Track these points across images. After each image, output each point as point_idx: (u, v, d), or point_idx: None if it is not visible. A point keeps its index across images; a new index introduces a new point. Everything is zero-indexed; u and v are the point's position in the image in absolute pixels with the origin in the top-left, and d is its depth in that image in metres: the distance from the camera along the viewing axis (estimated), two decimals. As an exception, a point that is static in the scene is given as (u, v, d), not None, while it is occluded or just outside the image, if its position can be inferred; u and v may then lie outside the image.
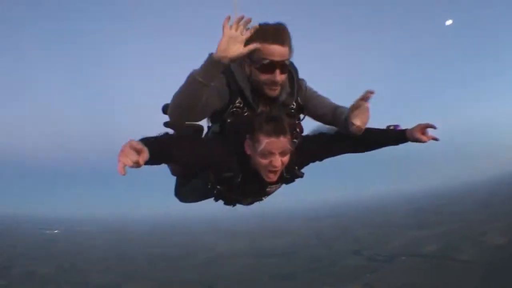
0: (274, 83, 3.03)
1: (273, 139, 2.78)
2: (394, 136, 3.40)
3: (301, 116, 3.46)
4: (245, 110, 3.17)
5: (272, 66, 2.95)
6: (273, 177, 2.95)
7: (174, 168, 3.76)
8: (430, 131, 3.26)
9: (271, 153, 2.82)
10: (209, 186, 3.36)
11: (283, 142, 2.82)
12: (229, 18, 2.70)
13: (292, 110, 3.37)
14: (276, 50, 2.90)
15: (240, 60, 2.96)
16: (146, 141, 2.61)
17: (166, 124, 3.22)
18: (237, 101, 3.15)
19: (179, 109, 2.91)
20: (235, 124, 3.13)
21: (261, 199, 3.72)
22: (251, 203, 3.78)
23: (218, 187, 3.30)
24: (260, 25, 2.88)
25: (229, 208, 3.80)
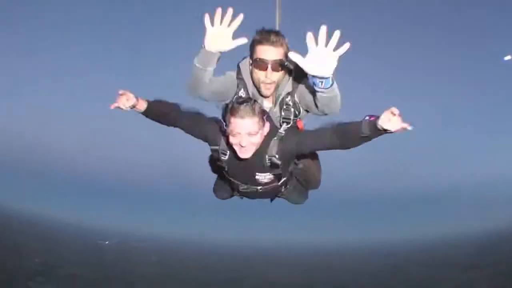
0: (266, 82, 3.48)
1: (237, 119, 3.11)
2: (365, 127, 3.17)
3: (297, 113, 3.77)
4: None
5: (264, 64, 3.40)
6: (244, 154, 3.28)
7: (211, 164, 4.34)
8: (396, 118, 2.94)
9: (237, 133, 3.17)
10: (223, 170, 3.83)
11: (248, 123, 3.13)
12: (208, 14, 3.15)
13: (289, 105, 3.73)
14: (268, 50, 3.36)
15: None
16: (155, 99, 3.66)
17: None
18: (240, 92, 3.68)
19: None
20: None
21: (257, 189, 3.86)
22: (254, 194, 4.02)
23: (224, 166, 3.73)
24: (257, 30, 3.50)
25: (243, 201, 4.27)
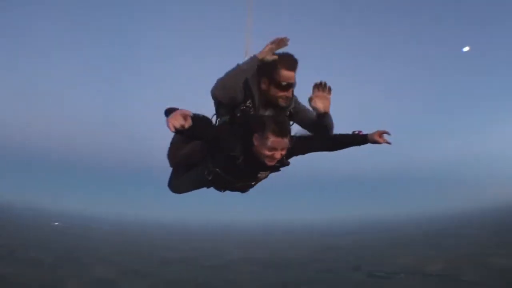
0: (287, 98, 4.11)
1: (279, 139, 3.61)
2: (358, 139, 4.30)
3: (291, 122, 4.35)
4: (251, 110, 4.10)
5: (288, 87, 4.06)
6: (272, 163, 3.79)
7: (176, 157, 4.54)
8: (385, 136, 4.21)
9: (275, 149, 3.64)
10: (206, 173, 4.17)
11: (285, 142, 3.67)
12: (279, 40, 3.92)
13: (287, 116, 4.34)
14: (291, 75, 4.02)
15: (255, 73, 4.09)
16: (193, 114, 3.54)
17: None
18: (248, 102, 4.09)
19: (222, 89, 3.90)
20: (245, 117, 4.00)
21: (251, 185, 4.43)
22: (242, 188, 4.48)
23: (217, 169, 4.07)
24: (280, 54, 4.01)
25: (219, 193, 4.55)
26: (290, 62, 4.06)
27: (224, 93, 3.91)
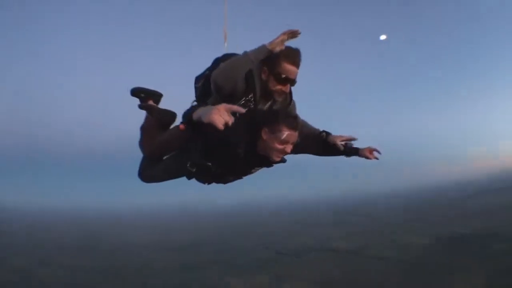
0: (283, 92, 4.06)
1: (292, 132, 3.61)
2: (348, 151, 4.46)
3: None
4: (251, 104, 3.93)
5: (287, 81, 3.95)
6: (279, 158, 3.73)
7: (152, 145, 4.17)
8: (375, 153, 4.49)
9: (287, 142, 3.62)
10: (188, 165, 3.89)
11: (296, 136, 3.68)
12: (291, 31, 3.67)
13: None
14: (293, 70, 3.89)
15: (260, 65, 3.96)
16: None
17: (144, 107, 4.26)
18: (250, 96, 3.93)
19: (228, 76, 3.60)
20: (252, 111, 3.85)
21: (241, 178, 4.30)
22: (231, 181, 4.28)
23: (209, 163, 3.83)
24: (287, 47, 3.80)
25: (200, 185, 4.24)
26: (294, 56, 3.89)
27: (227, 81, 3.65)
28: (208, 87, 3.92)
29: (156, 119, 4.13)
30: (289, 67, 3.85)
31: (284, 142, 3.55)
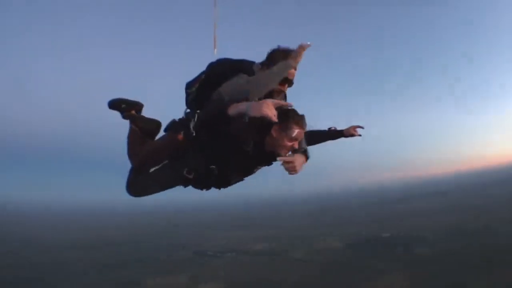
0: (282, 92, 4.01)
1: (301, 130, 3.70)
2: (334, 134, 4.77)
3: None
4: None
5: (285, 82, 3.91)
6: (286, 153, 3.74)
7: (142, 155, 4.02)
8: (358, 129, 4.75)
9: (296, 139, 3.70)
10: (185, 171, 3.80)
11: (303, 133, 3.79)
12: (306, 45, 3.71)
13: None
14: (292, 72, 3.88)
15: None
16: None
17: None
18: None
19: (259, 87, 3.67)
20: None
21: (243, 179, 4.15)
22: (232, 183, 4.19)
23: (213, 166, 3.80)
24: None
25: (198, 192, 4.17)
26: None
27: (259, 93, 3.72)
28: (204, 92, 4.01)
29: (142, 129, 4.05)
30: (298, 130, 3.89)
31: (294, 139, 3.70)
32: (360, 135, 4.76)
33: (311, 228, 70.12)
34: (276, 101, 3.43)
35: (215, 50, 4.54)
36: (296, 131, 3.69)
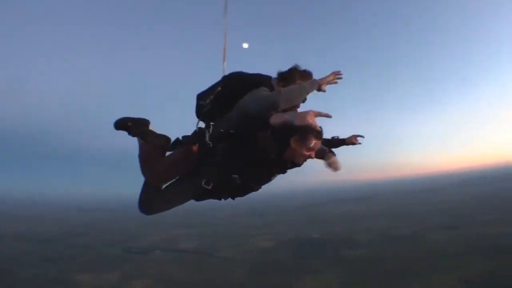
0: (296, 107, 4.05)
1: (318, 141, 3.73)
2: (337, 142, 4.82)
3: None
4: None
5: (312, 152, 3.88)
6: (303, 163, 3.83)
7: (159, 171, 3.91)
8: (359, 138, 4.83)
9: (313, 149, 3.75)
10: (203, 183, 3.76)
11: (320, 143, 3.83)
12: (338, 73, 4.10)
13: None
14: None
15: None
16: None
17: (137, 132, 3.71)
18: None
19: (289, 102, 3.79)
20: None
21: (260, 187, 4.16)
22: (249, 192, 4.15)
23: (235, 176, 3.78)
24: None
25: (214, 202, 4.20)
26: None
27: (287, 105, 3.84)
28: (221, 105, 4.09)
29: (153, 145, 3.84)
30: (315, 141, 3.98)
31: (311, 149, 3.77)
32: (360, 143, 4.92)
33: (242, 228, 71.21)
34: (317, 111, 3.70)
35: (224, 63, 4.76)
36: (313, 142, 3.78)
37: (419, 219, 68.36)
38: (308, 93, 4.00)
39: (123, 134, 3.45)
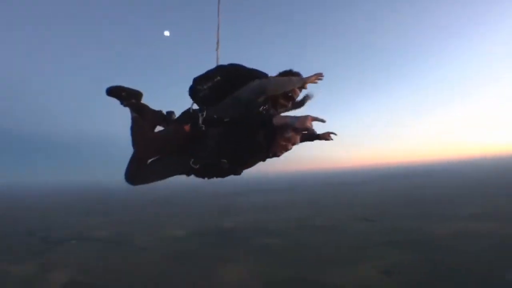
0: (285, 106, 4.72)
1: (298, 136, 4.23)
2: (313, 136, 4.90)
3: None
4: (264, 110, 4.48)
5: (290, 99, 4.70)
6: (282, 154, 4.38)
7: (150, 144, 4.16)
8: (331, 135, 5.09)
9: (294, 143, 4.26)
10: (191, 162, 4.06)
11: (299, 138, 4.33)
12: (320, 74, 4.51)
13: None
14: (298, 94, 4.76)
15: None
16: None
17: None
18: (266, 105, 4.53)
19: (277, 88, 4.33)
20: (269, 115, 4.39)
21: (242, 172, 4.50)
22: (235, 174, 4.48)
23: (224, 160, 4.11)
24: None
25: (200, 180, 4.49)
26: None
27: (274, 92, 4.31)
28: (220, 93, 4.30)
29: (145, 118, 4.18)
30: (298, 91, 4.63)
31: (292, 143, 4.19)
32: (332, 139, 5.14)
33: (156, 217, 71.43)
34: (314, 116, 4.23)
35: (218, 51, 5.02)
36: (294, 137, 4.22)
37: (338, 211, 70.45)
38: (294, 86, 4.42)
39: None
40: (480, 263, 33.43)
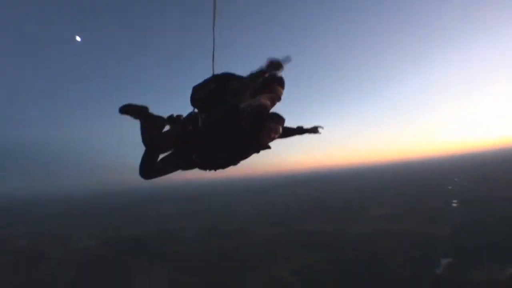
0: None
1: (280, 126, 4.53)
2: (302, 130, 5.53)
3: None
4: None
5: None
6: (268, 143, 4.64)
7: (160, 140, 4.70)
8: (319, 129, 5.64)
9: (277, 133, 4.53)
10: (194, 156, 4.57)
11: (281, 129, 4.60)
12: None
13: None
14: (280, 131, 4.76)
15: None
16: None
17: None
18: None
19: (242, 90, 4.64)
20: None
21: (238, 163, 4.90)
22: (233, 165, 4.91)
23: (222, 155, 4.61)
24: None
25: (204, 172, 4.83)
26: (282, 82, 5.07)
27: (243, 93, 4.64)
28: (214, 99, 4.76)
29: (153, 125, 4.64)
30: (281, 89, 5.01)
31: (277, 133, 4.53)
32: (320, 133, 5.70)
33: (68, 227, 69.75)
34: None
35: (213, 63, 5.17)
36: (277, 127, 4.58)
37: (246, 216, 72.35)
38: (252, 83, 4.66)
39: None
40: (391, 261, 35.65)
